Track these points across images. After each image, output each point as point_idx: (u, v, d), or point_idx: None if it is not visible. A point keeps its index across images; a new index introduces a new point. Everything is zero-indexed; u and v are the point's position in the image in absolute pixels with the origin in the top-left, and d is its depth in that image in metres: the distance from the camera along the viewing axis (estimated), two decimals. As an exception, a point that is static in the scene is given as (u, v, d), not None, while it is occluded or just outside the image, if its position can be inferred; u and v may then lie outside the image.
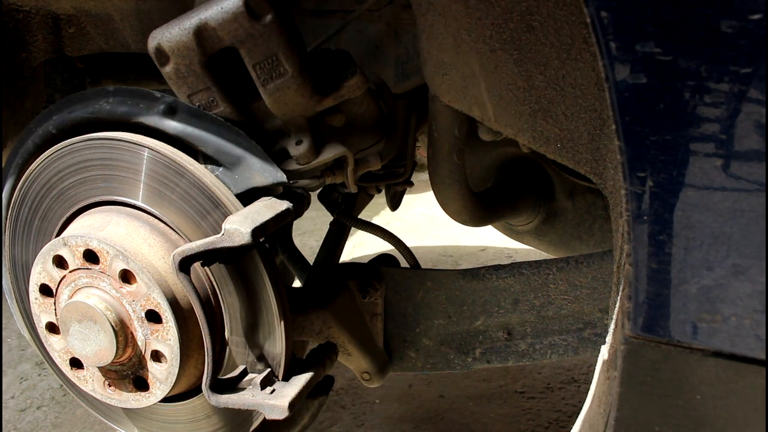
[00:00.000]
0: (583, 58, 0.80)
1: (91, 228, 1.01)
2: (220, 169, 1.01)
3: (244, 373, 1.00)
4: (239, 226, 0.89)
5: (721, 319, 0.58)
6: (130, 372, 1.03)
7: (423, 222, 4.22)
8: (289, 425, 1.19)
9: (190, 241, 0.97)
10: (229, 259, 0.95)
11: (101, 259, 0.99)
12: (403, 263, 1.44)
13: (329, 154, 1.06)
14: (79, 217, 1.07)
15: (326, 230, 1.60)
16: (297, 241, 1.65)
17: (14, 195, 1.11)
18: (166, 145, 1.00)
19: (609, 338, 0.78)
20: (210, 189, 0.98)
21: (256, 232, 0.89)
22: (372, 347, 1.33)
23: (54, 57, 1.38)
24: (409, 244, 1.49)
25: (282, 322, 0.99)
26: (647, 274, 0.60)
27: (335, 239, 1.57)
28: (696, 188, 0.57)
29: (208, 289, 1.01)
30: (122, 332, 0.99)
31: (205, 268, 0.96)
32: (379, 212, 4.23)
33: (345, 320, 1.26)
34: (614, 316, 0.76)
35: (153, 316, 0.98)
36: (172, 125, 1.01)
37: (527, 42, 0.86)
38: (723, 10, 0.51)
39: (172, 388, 1.01)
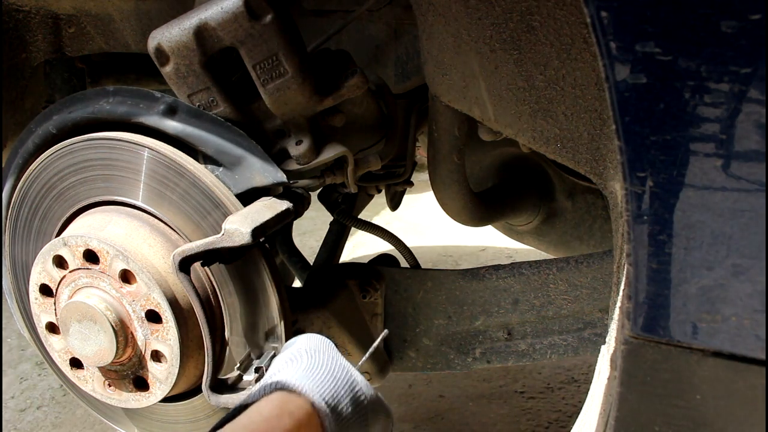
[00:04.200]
0: (583, 58, 0.80)
1: (91, 228, 1.01)
2: (220, 169, 1.01)
3: (244, 373, 1.00)
4: (239, 226, 0.89)
5: (721, 319, 0.58)
6: (130, 372, 1.03)
7: (423, 222, 4.22)
8: (289, 425, 1.19)
9: (190, 241, 0.97)
10: (229, 259, 0.95)
11: (101, 259, 0.99)
12: (403, 263, 1.44)
13: (329, 154, 1.06)
14: (79, 217, 1.07)
15: (326, 230, 1.60)
16: (297, 241, 1.65)
17: (14, 195, 1.11)
18: (166, 145, 1.01)
19: (609, 338, 0.78)
20: (210, 189, 0.98)
21: (256, 232, 0.89)
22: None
23: (54, 57, 1.38)
24: (409, 244, 1.49)
25: (282, 322, 0.99)
26: (647, 274, 0.60)
27: (335, 239, 1.57)
28: (696, 188, 0.57)
29: (208, 289, 1.01)
30: (122, 332, 0.99)
31: (205, 268, 0.96)
32: (379, 212, 4.23)
33: (345, 320, 1.26)
34: (614, 316, 0.76)
35: (153, 316, 0.98)
36: (172, 125, 1.01)
37: (527, 42, 0.86)
38: (723, 10, 0.51)
39: (172, 388, 1.01)
